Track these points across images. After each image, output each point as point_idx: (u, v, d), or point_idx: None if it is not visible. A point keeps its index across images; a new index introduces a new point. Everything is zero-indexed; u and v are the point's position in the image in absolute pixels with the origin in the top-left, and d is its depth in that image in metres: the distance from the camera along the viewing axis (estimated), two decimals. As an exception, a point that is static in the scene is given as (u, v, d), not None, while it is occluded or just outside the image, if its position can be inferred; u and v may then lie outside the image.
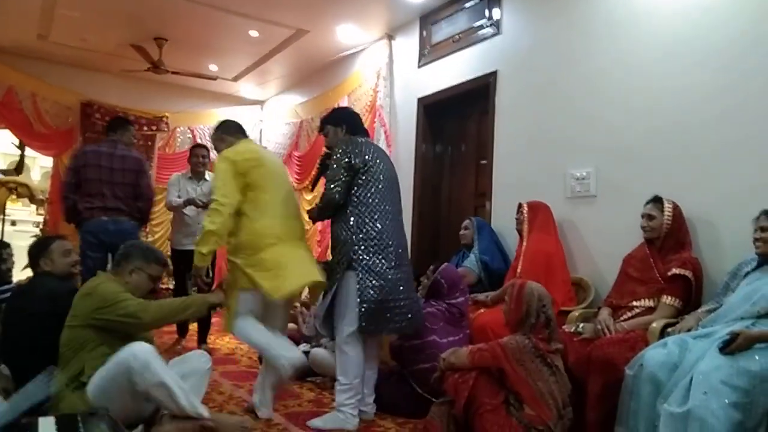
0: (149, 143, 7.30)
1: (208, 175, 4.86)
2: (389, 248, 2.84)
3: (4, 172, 5.58)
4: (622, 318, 2.82)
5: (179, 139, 7.63)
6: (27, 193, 4.08)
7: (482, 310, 3.44)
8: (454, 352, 2.55)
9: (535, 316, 2.47)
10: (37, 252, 2.94)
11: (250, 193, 2.91)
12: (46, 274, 2.93)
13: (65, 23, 5.75)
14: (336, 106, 6.09)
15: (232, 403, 3.21)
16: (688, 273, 2.72)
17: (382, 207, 2.89)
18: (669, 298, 2.72)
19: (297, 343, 4.21)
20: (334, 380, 3.63)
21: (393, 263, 2.84)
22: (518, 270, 3.42)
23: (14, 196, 4.15)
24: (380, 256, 2.82)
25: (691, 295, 2.73)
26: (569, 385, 2.43)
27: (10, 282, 3.72)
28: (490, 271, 3.84)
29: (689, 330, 2.43)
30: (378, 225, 2.85)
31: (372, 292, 2.77)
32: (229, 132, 3.23)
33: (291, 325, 4.77)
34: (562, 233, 3.63)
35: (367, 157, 2.91)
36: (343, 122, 3.11)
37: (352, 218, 2.86)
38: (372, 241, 2.82)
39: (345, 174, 2.86)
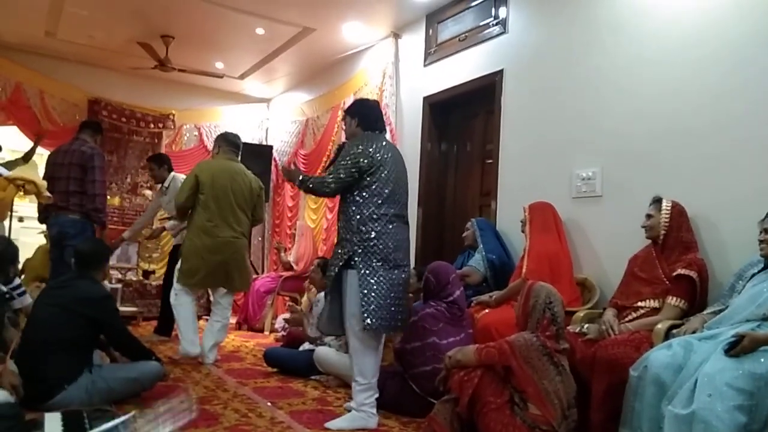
0: (156, 141, 7.34)
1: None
2: (387, 250, 2.87)
3: (11, 163, 5.61)
4: (627, 319, 2.81)
5: (186, 137, 7.65)
6: (34, 190, 4.10)
7: (486, 311, 3.44)
8: (460, 350, 2.55)
9: (541, 313, 2.47)
10: (102, 258, 3.13)
11: None
12: (85, 276, 3.02)
13: (73, 20, 5.77)
14: (342, 104, 6.11)
15: (237, 400, 3.23)
16: (693, 274, 2.71)
17: (384, 210, 2.91)
18: (674, 299, 2.71)
19: (300, 342, 4.23)
20: (338, 379, 3.67)
21: (390, 264, 2.88)
22: (523, 270, 3.41)
23: (22, 193, 4.18)
24: (377, 257, 2.85)
25: (696, 296, 2.72)
26: (575, 386, 2.43)
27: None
28: (496, 270, 3.84)
29: (694, 332, 2.42)
30: (378, 227, 2.87)
31: (374, 290, 2.82)
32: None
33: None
34: (567, 233, 3.62)
35: (378, 156, 2.91)
36: (356, 115, 3.11)
37: (354, 218, 2.89)
38: (370, 242, 2.85)
39: (349, 174, 2.88)
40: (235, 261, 4.19)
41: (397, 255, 2.92)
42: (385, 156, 2.95)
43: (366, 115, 3.10)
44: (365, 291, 2.81)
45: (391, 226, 2.91)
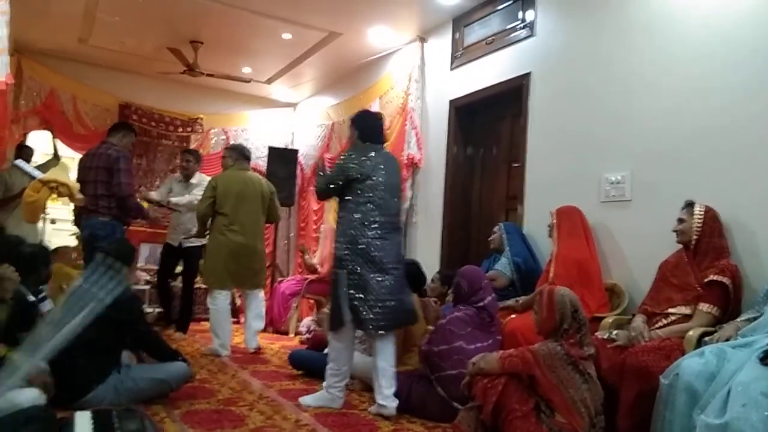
0: (184, 144, 7.42)
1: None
2: (371, 254, 3.09)
3: (44, 165, 5.76)
4: (657, 325, 2.76)
5: (213, 141, 7.73)
6: (67, 192, 4.21)
7: (512, 316, 3.41)
8: (483, 357, 2.53)
9: (569, 322, 2.43)
10: (126, 259, 3.21)
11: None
12: None
13: (105, 27, 5.89)
14: (368, 108, 6.11)
15: (262, 402, 3.25)
16: (726, 280, 2.65)
17: (373, 217, 3.13)
18: (706, 305, 2.66)
19: (325, 345, 4.24)
20: (362, 382, 3.67)
21: (375, 268, 3.09)
22: (551, 275, 3.37)
23: (55, 196, 4.29)
24: (360, 260, 3.08)
25: (729, 302, 2.65)
26: (602, 393, 2.39)
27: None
28: (522, 273, 3.80)
29: (728, 339, 2.37)
30: (367, 233, 3.10)
31: (349, 291, 3.07)
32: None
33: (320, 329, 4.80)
34: (596, 238, 3.57)
35: (366, 166, 3.17)
36: (356, 127, 3.39)
37: (341, 224, 3.20)
38: (355, 245, 3.10)
39: (335, 180, 3.22)
40: (247, 258, 4.61)
41: (382, 258, 3.10)
42: (376, 166, 3.19)
43: (365, 127, 3.37)
44: (345, 289, 3.08)
45: (377, 231, 3.12)
